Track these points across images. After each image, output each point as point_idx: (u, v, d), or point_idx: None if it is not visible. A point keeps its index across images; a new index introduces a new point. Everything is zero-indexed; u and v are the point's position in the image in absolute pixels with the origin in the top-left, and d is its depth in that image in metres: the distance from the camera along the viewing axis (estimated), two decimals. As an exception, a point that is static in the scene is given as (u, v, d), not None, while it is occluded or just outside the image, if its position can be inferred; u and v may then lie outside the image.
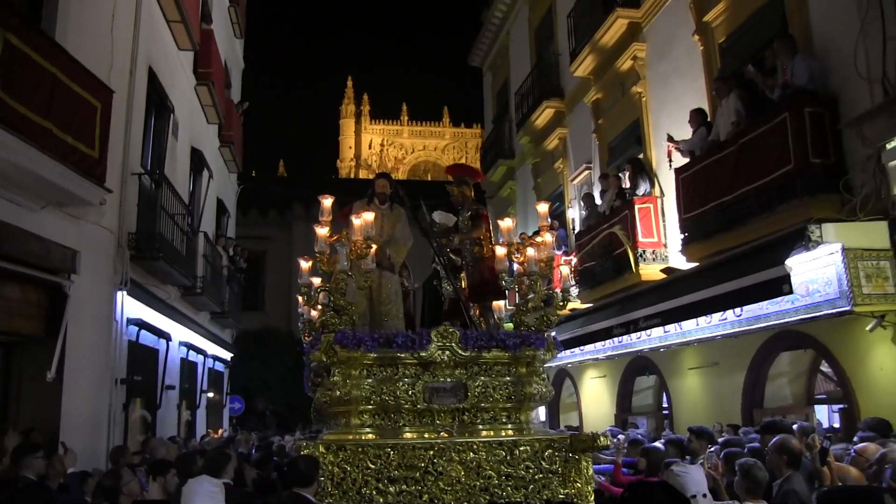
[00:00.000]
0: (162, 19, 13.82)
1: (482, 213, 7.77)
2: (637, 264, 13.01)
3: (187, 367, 17.43)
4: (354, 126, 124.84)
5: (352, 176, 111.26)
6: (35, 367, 9.28)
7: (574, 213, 17.42)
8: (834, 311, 8.72)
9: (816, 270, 8.91)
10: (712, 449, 7.86)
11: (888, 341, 8.67)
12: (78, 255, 9.81)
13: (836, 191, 8.85)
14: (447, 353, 5.94)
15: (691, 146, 11.68)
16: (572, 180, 18.09)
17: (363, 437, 5.74)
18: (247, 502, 6.87)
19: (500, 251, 6.64)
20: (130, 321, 11.87)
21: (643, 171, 13.78)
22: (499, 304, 7.53)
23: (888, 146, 7.82)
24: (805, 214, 8.86)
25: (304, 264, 7.06)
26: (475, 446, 5.70)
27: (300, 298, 7.55)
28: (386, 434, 5.81)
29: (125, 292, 11.39)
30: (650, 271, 12.90)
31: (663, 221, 13.15)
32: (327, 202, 6.33)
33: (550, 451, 5.86)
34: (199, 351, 18.21)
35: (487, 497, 5.63)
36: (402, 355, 5.94)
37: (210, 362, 20.05)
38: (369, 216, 6.21)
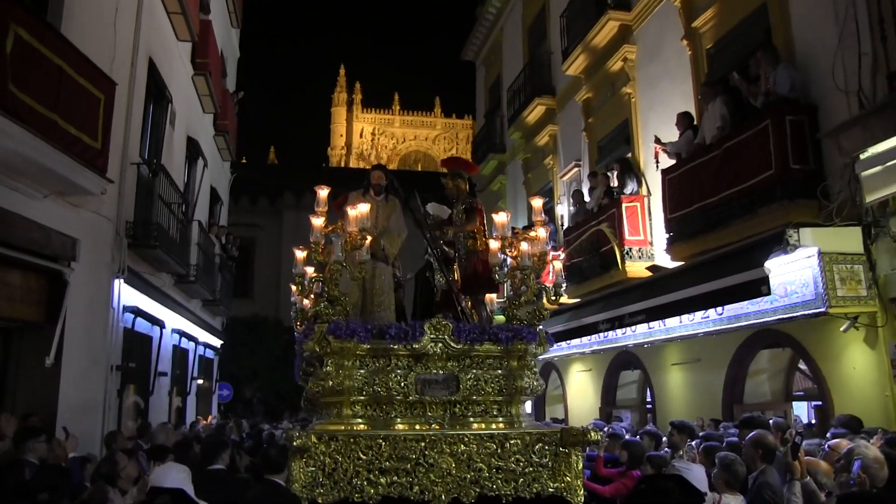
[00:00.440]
0: (162, 10, 14.02)
1: (476, 206, 7.77)
2: (623, 261, 13.32)
3: (179, 354, 17.66)
4: (346, 114, 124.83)
5: (342, 164, 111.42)
6: (33, 352, 9.51)
7: (563, 210, 17.69)
8: (810, 312, 9.06)
9: (794, 273, 9.23)
10: (692, 443, 8.20)
11: (861, 342, 9.02)
12: (78, 243, 10.03)
13: (814, 196, 9.19)
14: (440, 345, 5.98)
15: (678, 148, 11.97)
16: (562, 177, 18.37)
17: (355, 428, 5.74)
18: (241, 487, 7.15)
19: (494, 245, 6.67)
20: (126, 308, 12.10)
21: (631, 170, 14.08)
22: (491, 297, 7.62)
23: (862, 157, 8.12)
24: (784, 218, 9.17)
25: (300, 254, 7.06)
26: (466, 439, 5.71)
27: (293, 287, 7.53)
28: (377, 425, 5.82)
29: (122, 280, 11.62)
30: (636, 269, 13.22)
31: (650, 220, 13.46)
32: (323, 192, 6.33)
33: (541, 444, 5.87)
34: (190, 338, 18.43)
35: (478, 489, 5.65)
36: (395, 347, 5.97)
37: (201, 349, 20.29)
38: (365, 207, 6.28)
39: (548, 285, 6.85)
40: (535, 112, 19.89)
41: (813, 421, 10.62)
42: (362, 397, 5.86)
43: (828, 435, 7.60)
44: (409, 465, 5.62)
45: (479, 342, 6.11)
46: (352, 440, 5.60)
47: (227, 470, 7.47)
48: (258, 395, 33.35)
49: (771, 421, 8.28)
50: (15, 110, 7.72)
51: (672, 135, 12.39)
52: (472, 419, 5.98)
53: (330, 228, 6.23)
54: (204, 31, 17.35)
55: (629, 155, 14.81)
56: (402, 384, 5.90)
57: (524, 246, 6.53)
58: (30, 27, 8.03)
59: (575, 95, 17.60)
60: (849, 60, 8.91)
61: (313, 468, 5.51)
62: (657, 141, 12.60)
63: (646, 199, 13.61)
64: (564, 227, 16.78)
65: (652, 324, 12.42)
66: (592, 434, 5.94)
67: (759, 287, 8.94)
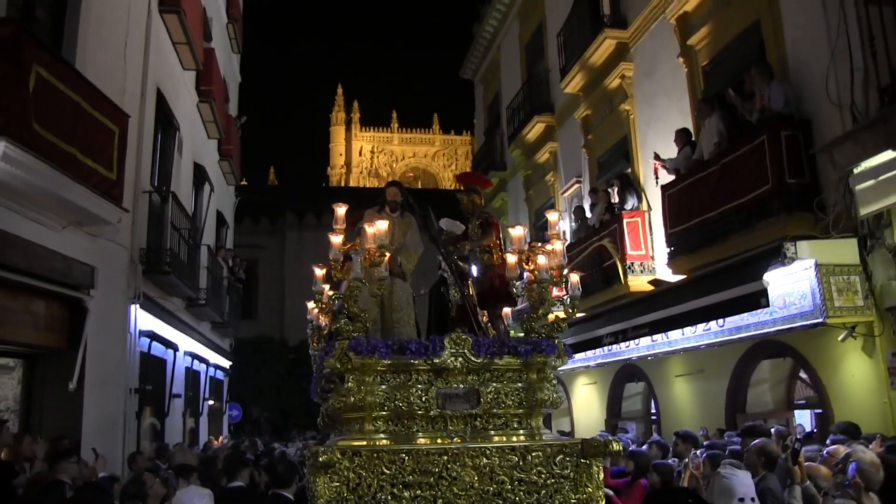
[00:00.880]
0: (168, 42, 14.39)
1: (492, 220, 7.79)
2: (626, 276, 13.57)
3: (191, 376, 17.98)
4: (345, 133, 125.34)
5: (342, 183, 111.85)
6: (57, 377, 9.84)
7: (565, 225, 17.98)
8: (808, 322, 9.32)
9: (792, 284, 9.49)
10: (698, 452, 8.46)
11: (859, 351, 9.27)
12: (96, 271, 10.38)
13: (810, 209, 9.46)
14: (460, 359, 5.95)
15: (677, 164, 12.26)
16: (563, 193, 18.68)
17: (378, 443, 5.67)
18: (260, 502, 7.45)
19: (512, 259, 6.61)
20: (142, 333, 12.43)
21: (631, 186, 14.38)
22: (506, 311, 7.59)
23: (855, 171, 8.40)
24: (782, 231, 9.44)
25: (319, 272, 6.92)
26: (488, 451, 5.68)
27: (311, 305, 7.57)
28: (400, 440, 5.77)
29: (138, 305, 11.93)
30: (638, 283, 13.48)
31: (651, 235, 13.72)
32: (341, 210, 6.28)
33: (562, 456, 5.82)
34: (201, 360, 18.75)
35: (500, 502, 5.63)
36: (416, 362, 5.92)
37: (211, 371, 20.56)
38: (383, 224, 6.18)
39: (564, 297, 6.75)
40: (534, 129, 20.21)
41: (815, 429, 10.87)
42: (384, 412, 5.81)
43: (827, 441, 7.85)
44: (432, 479, 5.58)
45: (498, 356, 6.07)
46: (375, 455, 5.52)
47: (247, 487, 7.78)
48: (265, 414, 33.52)
49: (773, 429, 8.53)
50: (38, 146, 8.05)
51: (670, 151, 12.66)
52: (493, 432, 5.95)
53: (348, 245, 6.20)
54: (207, 59, 17.73)
55: (629, 171, 15.10)
56: (424, 399, 5.87)
57: (541, 259, 6.47)
58: (50, 67, 8.39)
59: (574, 112, 17.91)
60: (841, 75, 9.18)
61: (338, 483, 5.43)
62: (656, 157, 12.88)
63: (646, 214, 13.88)
64: (567, 243, 17.03)
65: (655, 336, 12.66)
66: (614, 444, 5.91)
67: (758, 299, 9.22)
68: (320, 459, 5.31)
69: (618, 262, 13.74)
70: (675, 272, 12.28)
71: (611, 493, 7.75)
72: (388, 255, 6.34)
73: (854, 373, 9.39)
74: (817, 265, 9.10)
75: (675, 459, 8.90)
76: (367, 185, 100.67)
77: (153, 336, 13.00)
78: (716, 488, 6.41)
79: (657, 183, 12.87)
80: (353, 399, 5.75)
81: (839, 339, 9.26)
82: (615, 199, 14.76)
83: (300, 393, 32.24)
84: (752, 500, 5.99)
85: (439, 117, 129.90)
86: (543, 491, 5.71)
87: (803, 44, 10.20)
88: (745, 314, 10.14)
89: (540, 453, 5.77)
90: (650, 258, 13.63)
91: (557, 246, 6.62)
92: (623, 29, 15.34)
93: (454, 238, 7.75)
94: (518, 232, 6.67)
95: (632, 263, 13.60)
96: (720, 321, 10.79)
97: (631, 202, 14.15)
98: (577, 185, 17.91)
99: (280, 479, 6.81)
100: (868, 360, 9.20)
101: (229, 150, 22.35)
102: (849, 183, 8.55)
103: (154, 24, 13.18)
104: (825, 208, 9.37)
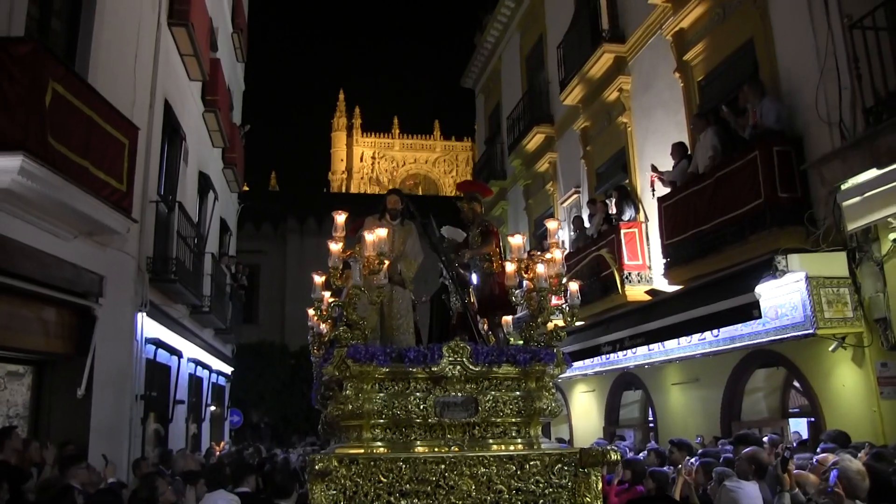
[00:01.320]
0: (176, 53, 14.67)
1: (491, 228, 7.79)
2: (623, 286, 13.81)
3: (194, 383, 18.20)
4: (346, 139, 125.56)
5: (343, 189, 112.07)
6: (66, 383, 10.06)
7: (564, 235, 18.20)
8: (799, 333, 9.58)
9: (784, 296, 9.75)
10: (692, 460, 8.70)
11: (849, 361, 9.54)
12: (104, 280, 10.62)
13: (801, 223, 9.73)
14: (458, 367, 5.96)
15: (673, 177, 12.51)
16: (562, 203, 18.93)
17: (375, 451, 5.71)
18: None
19: (510, 267, 6.64)
20: (148, 340, 12.67)
21: (629, 197, 14.63)
22: (506, 319, 7.57)
23: (843, 187, 8.67)
24: (774, 244, 9.70)
25: (318, 279, 6.91)
26: (486, 460, 5.70)
27: (311, 312, 7.51)
28: (397, 448, 5.78)
29: (145, 313, 12.18)
30: (635, 293, 13.71)
31: (648, 245, 13.95)
32: (340, 218, 6.27)
33: (560, 465, 5.83)
34: (204, 366, 18.94)
35: None
36: (414, 370, 5.94)
37: (214, 377, 20.75)
38: (382, 232, 6.20)
39: (564, 306, 6.76)
40: (534, 140, 20.49)
41: (808, 437, 11.10)
42: (382, 420, 5.83)
43: (818, 450, 8.09)
44: (429, 488, 5.58)
45: (497, 364, 6.09)
46: (372, 463, 5.56)
47: (253, 493, 7.98)
48: (266, 419, 33.62)
49: (765, 438, 8.78)
50: (53, 160, 8.30)
51: (667, 163, 12.91)
52: (491, 441, 5.96)
53: (348, 253, 6.23)
54: (213, 69, 18.00)
55: (627, 182, 15.36)
56: (422, 407, 5.88)
57: (540, 268, 6.47)
58: (64, 81, 8.63)
59: (573, 124, 18.20)
60: (830, 94, 9.44)
61: (335, 491, 5.46)
62: (654, 169, 13.13)
63: (643, 225, 14.13)
64: (566, 252, 17.24)
65: (651, 346, 12.88)
66: (612, 454, 5.92)
67: (751, 311, 9.49)
68: (316, 467, 5.34)
69: (615, 272, 13.97)
70: (671, 283, 12.52)
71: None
72: (387, 262, 6.39)
73: (845, 382, 9.65)
74: (808, 278, 9.36)
75: (671, 467, 9.13)
76: (368, 192, 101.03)
77: (158, 343, 13.22)
78: (722, 501, 6.61)
79: (654, 195, 13.14)
80: (350, 407, 5.79)
81: (830, 349, 9.53)
82: (613, 209, 15.01)
83: (301, 398, 32.49)
84: None
85: (440, 123, 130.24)
86: (541, 500, 5.73)
87: (794, 62, 10.48)
88: (739, 325, 10.37)
89: (538, 462, 5.79)
90: (647, 268, 13.87)
91: (557, 255, 6.67)
92: (621, 43, 15.62)
93: (454, 246, 7.79)
94: (517, 241, 6.74)
95: (629, 273, 13.84)
96: (715, 331, 11.03)
97: (628, 213, 14.40)
98: (576, 196, 18.17)
99: (279, 489, 6.87)
100: (858, 370, 9.46)
101: (233, 158, 22.63)
102: (836, 199, 8.81)
103: (163, 37, 13.45)
104: (816, 222, 9.64)
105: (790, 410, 11.87)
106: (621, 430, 16.39)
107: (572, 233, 17.07)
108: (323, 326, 7.53)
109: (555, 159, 20.01)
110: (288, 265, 40.24)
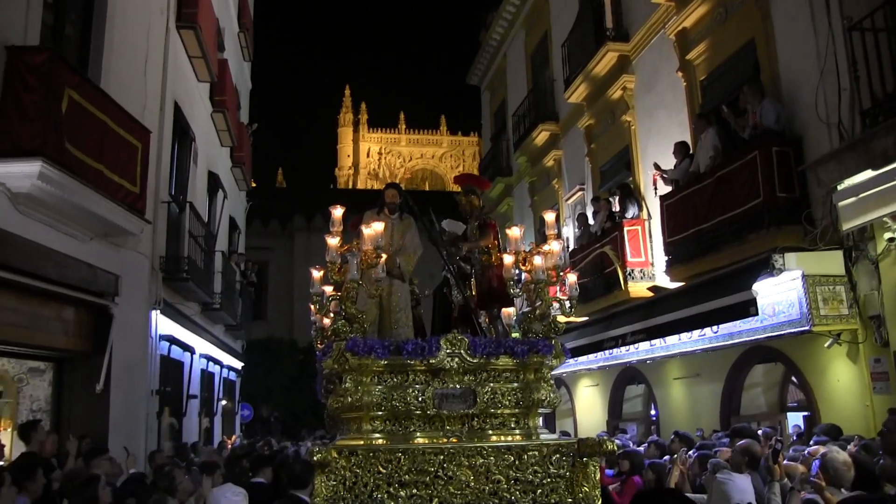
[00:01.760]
0: (185, 56, 14.92)
1: (490, 222, 7.79)
2: (626, 282, 14.05)
3: (206, 378, 18.53)
4: (352, 135, 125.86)
5: (350, 184, 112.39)
6: (84, 380, 10.35)
7: (569, 231, 18.44)
8: (795, 330, 9.84)
9: (781, 294, 10.00)
10: (690, 452, 8.96)
11: (844, 357, 9.80)
12: (120, 280, 10.89)
13: (799, 222, 9.97)
14: (456, 359, 5.97)
15: (675, 176, 12.74)
16: (567, 200, 19.17)
17: (374, 443, 5.75)
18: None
19: (508, 259, 6.62)
20: (162, 337, 12.98)
21: (632, 195, 14.86)
22: (508, 311, 7.60)
23: (839, 188, 8.92)
24: (772, 243, 9.94)
25: (316, 273, 6.89)
26: (484, 451, 5.72)
27: (312, 307, 7.38)
28: (396, 439, 5.83)
29: (159, 311, 12.49)
30: (638, 289, 13.96)
31: (650, 242, 14.18)
32: (338, 212, 6.32)
33: (558, 455, 5.83)
34: (216, 362, 19.28)
35: (496, 501, 5.66)
36: (413, 362, 5.96)
37: (225, 372, 21.08)
38: (379, 226, 6.22)
39: (562, 297, 6.80)
40: (539, 137, 20.74)
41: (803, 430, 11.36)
42: (381, 412, 5.86)
43: (811, 443, 8.35)
44: (428, 478, 5.62)
45: (495, 356, 6.10)
46: (371, 454, 5.60)
47: (268, 484, 8.26)
48: (275, 413, 33.89)
49: (760, 431, 9.04)
50: (70, 165, 8.59)
51: (670, 161, 13.14)
52: (490, 432, 6.00)
53: (345, 248, 6.20)
54: (221, 70, 18.26)
55: (630, 180, 15.59)
56: (420, 399, 5.90)
57: (538, 260, 6.48)
58: (79, 88, 8.92)
59: (577, 122, 18.41)
60: (829, 95, 9.64)
61: (334, 482, 5.51)
62: (657, 168, 13.35)
63: (646, 223, 14.35)
64: (570, 249, 17.48)
65: (653, 341, 13.14)
66: (608, 444, 5.91)
67: (748, 308, 9.76)
68: (315, 458, 5.41)
69: (618, 269, 14.20)
70: (672, 280, 12.77)
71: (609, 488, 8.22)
72: (384, 256, 6.44)
73: (840, 378, 9.90)
74: (804, 276, 9.61)
75: (668, 457, 9.40)
76: (375, 187, 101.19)
77: (172, 340, 13.53)
78: (714, 493, 6.85)
79: (656, 193, 13.37)
80: (350, 399, 5.84)
81: (825, 345, 9.80)
82: (616, 207, 15.23)
83: (310, 393, 32.66)
84: None
85: (446, 118, 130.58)
86: (539, 490, 5.75)
87: (795, 63, 10.69)
88: (738, 321, 10.61)
89: (536, 453, 5.81)
90: (650, 265, 14.08)
91: (555, 246, 6.63)
92: (625, 42, 15.83)
93: (453, 239, 7.83)
94: (515, 233, 6.74)
95: (632, 270, 14.06)
96: (714, 327, 11.28)
97: (632, 211, 14.62)
98: (580, 193, 18.39)
99: (296, 479, 6.96)
100: (852, 365, 9.71)
101: (241, 156, 22.91)
102: (832, 199, 9.04)
103: (171, 40, 13.72)
104: (813, 221, 9.87)
105: (788, 405, 12.10)
106: (625, 423, 16.62)
107: (577, 230, 17.29)
108: (326, 321, 7.51)
109: (560, 156, 20.25)
110: (295, 261, 40.45)
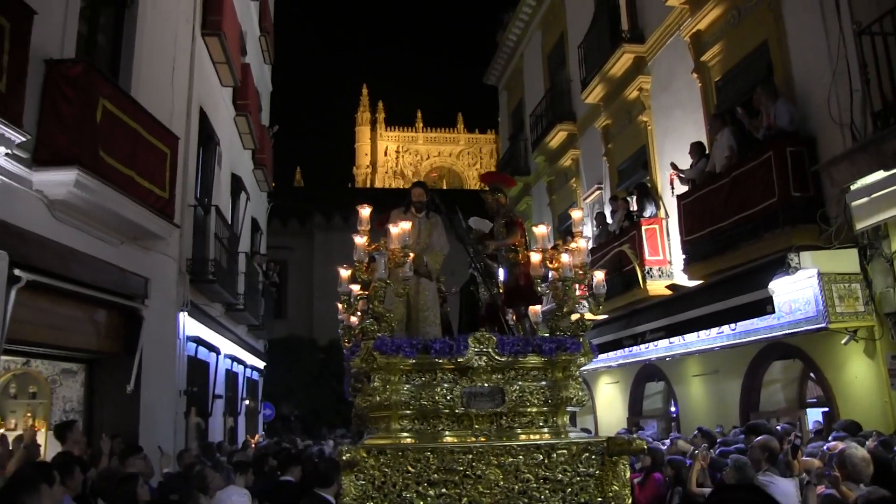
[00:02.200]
0: (209, 62, 15.22)
1: (516, 219, 7.80)
2: (644, 280, 14.23)
3: (231, 378, 18.83)
4: (370, 133, 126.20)
5: (368, 183, 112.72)
6: (115, 381, 10.61)
7: (587, 231, 18.56)
8: (812, 327, 10.02)
9: (798, 292, 10.17)
10: (708, 447, 9.13)
11: (861, 353, 9.95)
12: (149, 282, 11.17)
13: (814, 221, 10.12)
14: (484, 358, 5.97)
15: (692, 176, 12.92)
16: (585, 199, 19.33)
17: (403, 442, 5.75)
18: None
19: (535, 257, 6.61)
20: (189, 338, 13.29)
21: (649, 194, 15.03)
22: (535, 309, 7.61)
23: (852, 188, 9.08)
24: (787, 242, 10.12)
25: (344, 272, 6.82)
26: (513, 450, 5.70)
27: (340, 306, 7.43)
28: (425, 438, 5.82)
29: (186, 313, 12.78)
30: (657, 287, 14.13)
31: (668, 241, 14.36)
32: (365, 212, 6.34)
33: (587, 454, 5.80)
34: (239, 362, 19.58)
35: (525, 500, 5.63)
36: (441, 361, 5.95)
37: (248, 372, 21.37)
38: (406, 225, 6.25)
39: (588, 297, 6.77)
40: (557, 137, 20.92)
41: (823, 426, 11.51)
42: (409, 411, 5.87)
43: (829, 438, 8.52)
44: (457, 477, 5.60)
45: (523, 354, 6.08)
46: (400, 454, 5.60)
47: (296, 482, 8.49)
48: (296, 412, 34.18)
49: (779, 427, 9.21)
50: (103, 172, 8.88)
51: (686, 162, 13.33)
52: (518, 430, 5.98)
53: (373, 247, 6.23)
54: (244, 74, 18.57)
55: (647, 179, 15.77)
56: (448, 398, 5.89)
57: (565, 258, 6.47)
58: (112, 98, 9.22)
59: (594, 122, 18.61)
60: (842, 96, 9.77)
61: (363, 482, 5.52)
62: (674, 167, 13.52)
63: (664, 222, 14.52)
64: (589, 248, 17.64)
65: (672, 339, 13.32)
66: (638, 442, 5.89)
67: (765, 306, 9.95)
68: (344, 458, 5.42)
69: (637, 268, 14.37)
70: (690, 278, 12.93)
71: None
72: (412, 255, 6.42)
73: (857, 374, 10.06)
74: (820, 274, 9.77)
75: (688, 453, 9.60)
76: (393, 186, 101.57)
77: (198, 341, 13.85)
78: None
79: (673, 193, 13.53)
80: (378, 398, 5.86)
81: (842, 342, 9.94)
82: (634, 206, 15.42)
83: (330, 391, 33.09)
84: None
85: (464, 116, 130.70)
86: (569, 489, 5.72)
87: (807, 65, 10.84)
88: (756, 318, 10.77)
89: (565, 451, 5.79)
90: (668, 263, 14.24)
91: (581, 244, 6.67)
92: (640, 44, 16.01)
93: (480, 237, 7.89)
94: (541, 230, 6.81)
95: (650, 269, 14.24)
96: (732, 325, 11.46)
97: (649, 210, 14.78)
98: (598, 192, 18.57)
99: (321, 477, 7.08)
100: (870, 362, 9.86)
101: (262, 158, 23.19)
102: (846, 199, 9.21)
103: (197, 47, 14.01)
104: (828, 220, 10.03)
105: (807, 401, 12.24)
106: (645, 420, 16.81)
107: (595, 229, 17.45)
108: (353, 319, 7.57)
109: (577, 156, 20.42)
110: (315, 260, 40.79)
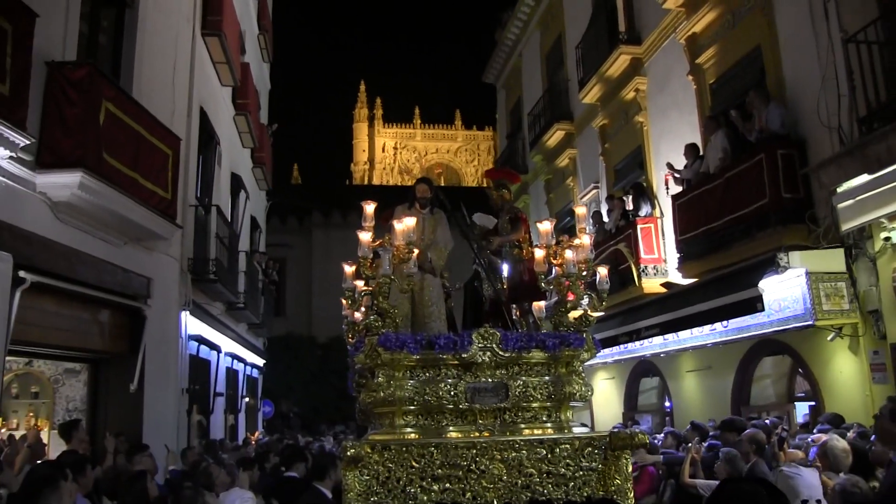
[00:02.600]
0: (209, 62, 15.37)
1: (521, 216, 7.85)
2: (640, 278, 14.46)
3: (231, 376, 19.04)
4: (368, 130, 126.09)
5: (366, 180, 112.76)
6: (119, 380, 10.78)
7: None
8: (800, 324, 10.29)
9: (786, 290, 10.43)
10: (705, 444, 9.35)
11: (846, 349, 10.22)
12: (152, 282, 11.36)
13: (803, 222, 10.38)
14: (488, 353, 5.96)
15: (686, 176, 13.14)
16: (581, 198, 19.55)
17: (407, 437, 5.73)
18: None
19: (539, 253, 6.56)
20: (191, 337, 13.48)
21: (644, 194, 15.24)
22: (539, 305, 7.42)
23: (838, 190, 9.31)
24: (778, 241, 10.36)
25: (348, 268, 6.75)
26: (516, 445, 5.73)
27: (344, 301, 7.19)
28: (429, 434, 5.80)
29: (188, 312, 12.98)
30: (652, 285, 14.36)
31: (663, 239, 14.59)
32: (370, 208, 6.27)
33: (590, 448, 5.83)
34: (239, 360, 19.76)
35: (529, 494, 5.63)
36: (445, 356, 5.94)
37: (248, 369, 21.54)
38: (410, 221, 6.25)
39: (590, 292, 6.66)
40: (554, 136, 21.15)
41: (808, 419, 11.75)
42: (413, 407, 5.84)
43: (814, 431, 8.77)
44: (461, 472, 5.61)
45: (526, 349, 6.07)
46: (404, 449, 5.58)
47: (300, 478, 8.64)
48: (295, 409, 34.32)
49: (767, 421, 9.44)
50: (107, 174, 9.06)
51: (681, 161, 13.55)
52: (522, 425, 6.02)
53: (377, 243, 6.18)
54: (243, 73, 18.70)
55: (643, 179, 15.98)
56: (453, 393, 5.87)
57: (569, 254, 6.45)
58: (115, 100, 9.39)
59: (592, 122, 18.82)
60: (830, 101, 10.03)
61: (368, 477, 5.51)
62: (670, 167, 13.75)
63: (659, 221, 14.75)
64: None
65: (667, 335, 13.56)
66: (640, 437, 5.91)
67: (755, 304, 10.22)
68: (348, 454, 5.38)
69: (632, 266, 14.59)
70: (684, 276, 13.16)
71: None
72: (416, 251, 6.38)
73: (842, 369, 10.33)
74: (808, 273, 10.03)
75: (683, 444, 9.83)
76: (391, 182, 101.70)
77: (200, 339, 14.02)
78: (779, 487, 7.07)
79: (668, 192, 13.76)
80: (382, 394, 5.83)
81: (828, 339, 10.22)
82: (630, 205, 15.63)
83: (329, 389, 33.30)
84: (818, 502, 6.22)
85: (461, 113, 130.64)
86: (571, 483, 5.74)
87: (798, 70, 11.07)
88: (747, 316, 11.00)
89: (568, 446, 5.80)
90: (663, 262, 14.48)
91: (585, 240, 6.62)
92: (637, 45, 16.23)
93: (484, 233, 7.92)
94: (545, 226, 6.70)
95: (645, 267, 14.47)
96: (724, 322, 11.67)
97: (645, 209, 14.99)
98: (595, 191, 18.80)
99: (316, 469, 7.31)
100: (854, 357, 10.14)
101: (262, 157, 23.30)
102: (832, 201, 9.44)
103: (197, 47, 14.19)
104: (817, 221, 10.28)
105: (796, 395, 12.46)
106: (640, 415, 17.01)
107: (591, 227, 17.63)
108: (357, 315, 7.46)
109: (574, 155, 20.65)
110: (314, 258, 40.81)
